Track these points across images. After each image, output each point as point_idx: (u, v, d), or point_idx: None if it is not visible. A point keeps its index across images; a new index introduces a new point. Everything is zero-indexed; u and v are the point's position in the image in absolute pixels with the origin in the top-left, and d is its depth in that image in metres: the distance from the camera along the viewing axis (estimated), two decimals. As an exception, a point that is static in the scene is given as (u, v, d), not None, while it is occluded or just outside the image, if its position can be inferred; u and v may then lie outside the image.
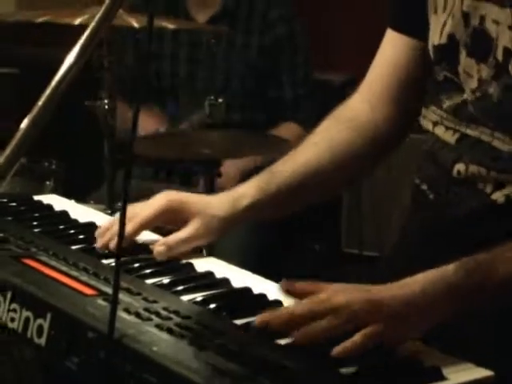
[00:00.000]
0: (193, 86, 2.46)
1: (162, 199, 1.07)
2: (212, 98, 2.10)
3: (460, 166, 0.98)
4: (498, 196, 0.95)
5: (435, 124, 1.03)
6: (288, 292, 0.88)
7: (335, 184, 1.16)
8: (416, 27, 1.07)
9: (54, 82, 0.70)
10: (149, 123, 2.27)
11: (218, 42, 2.37)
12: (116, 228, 0.86)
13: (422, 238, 1.04)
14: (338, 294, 0.78)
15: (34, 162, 1.99)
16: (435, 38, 1.02)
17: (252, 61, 2.45)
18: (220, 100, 2.10)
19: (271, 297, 0.91)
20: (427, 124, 1.05)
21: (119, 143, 1.90)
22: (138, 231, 1.05)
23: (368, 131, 1.11)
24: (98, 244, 1.05)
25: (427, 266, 0.82)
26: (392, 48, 1.12)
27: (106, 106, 1.89)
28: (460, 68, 0.99)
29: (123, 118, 1.95)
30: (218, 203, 1.07)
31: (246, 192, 1.07)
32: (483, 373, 0.74)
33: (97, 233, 1.07)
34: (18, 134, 0.67)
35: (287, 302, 0.89)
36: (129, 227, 1.01)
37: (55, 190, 1.90)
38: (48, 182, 2.01)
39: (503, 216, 0.94)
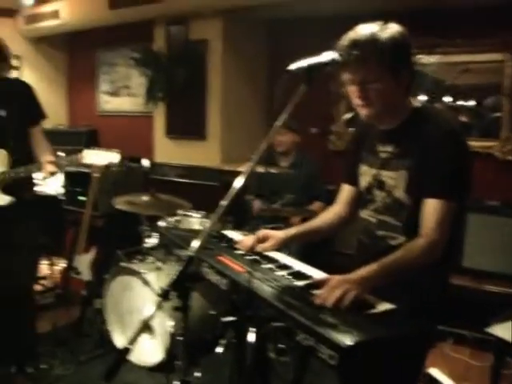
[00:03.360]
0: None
1: (266, 232, 2.08)
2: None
3: (379, 232, 1.89)
4: (393, 243, 1.84)
5: (368, 215, 1.96)
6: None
7: (327, 235, 2.20)
8: (354, 181, 2.06)
9: (234, 190, 1.59)
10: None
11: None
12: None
13: (364, 257, 1.88)
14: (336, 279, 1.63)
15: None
16: (363, 184, 1.99)
17: (301, 182, 4.28)
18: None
19: (309, 273, 1.80)
20: (364, 214, 1.99)
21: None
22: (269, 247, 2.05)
23: (340, 218, 2.15)
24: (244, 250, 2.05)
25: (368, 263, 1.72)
26: (345, 191, 2.14)
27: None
28: (373, 194, 1.92)
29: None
30: (280, 234, 2.06)
31: (292, 230, 2.13)
32: (390, 306, 1.53)
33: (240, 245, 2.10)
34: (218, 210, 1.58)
35: (315, 275, 1.77)
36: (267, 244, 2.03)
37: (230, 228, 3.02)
38: (228, 225, 3.19)
39: (392, 250, 1.76)
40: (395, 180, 1.81)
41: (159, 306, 1.35)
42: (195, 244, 1.50)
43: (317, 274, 1.81)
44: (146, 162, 5.52)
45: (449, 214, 1.70)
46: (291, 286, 1.65)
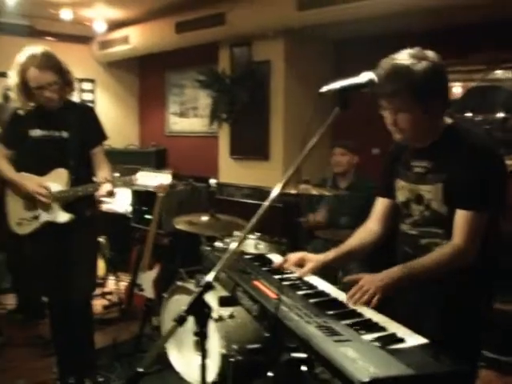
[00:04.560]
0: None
1: (302, 254, 2.09)
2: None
3: (423, 241, 1.90)
4: (437, 248, 1.85)
5: (407, 229, 1.98)
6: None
7: (363, 253, 2.13)
8: (389, 194, 2.04)
9: (269, 200, 1.57)
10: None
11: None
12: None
13: None
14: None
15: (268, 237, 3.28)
16: (400, 199, 1.99)
17: (358, 203, 3.94)
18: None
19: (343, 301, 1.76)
20: (403, 228, 2.00)
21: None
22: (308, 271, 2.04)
23: (374, 234, 2.13)
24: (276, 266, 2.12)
25: None
26: (380, 204, 2.14)
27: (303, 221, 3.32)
28: (411, 209, 1.93)
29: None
30: (319, 257, 2.05)
31: (331, 254, 2.06)
32: (421, 340, 1.45)
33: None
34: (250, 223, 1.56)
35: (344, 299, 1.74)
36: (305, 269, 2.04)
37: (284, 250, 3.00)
38: (283, 247, 3.21)
39: None
40: (432, 193, 1.88)
41: (173, 332, 1.34)
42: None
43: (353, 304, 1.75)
44: (213, 182, 5.64)
45: (478, 224, 1.79)
46: (320, 315, 1.60)
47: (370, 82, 1.62)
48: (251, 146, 5.33)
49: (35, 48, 2.99)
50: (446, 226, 1.84)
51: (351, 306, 1.72)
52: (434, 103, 1.81)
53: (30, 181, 3.08)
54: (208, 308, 1.35)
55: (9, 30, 5.55)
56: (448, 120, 1.91)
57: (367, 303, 1.71)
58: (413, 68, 1.76)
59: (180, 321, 1.29)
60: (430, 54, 1.81)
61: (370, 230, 2.14)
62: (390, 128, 1.89)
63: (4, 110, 4.95)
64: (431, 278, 1.79)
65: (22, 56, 2.97)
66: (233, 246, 1.50)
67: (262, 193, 5.20)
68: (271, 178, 5.12)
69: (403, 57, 1.80)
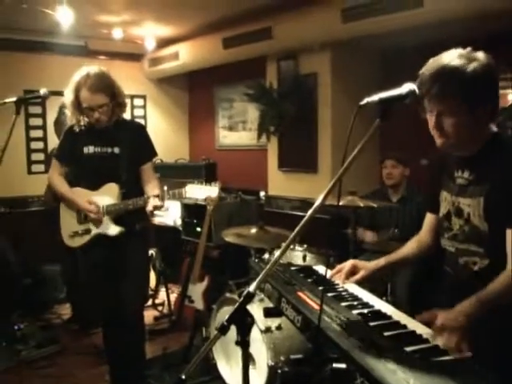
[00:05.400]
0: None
1: (354, 262, 2.06)
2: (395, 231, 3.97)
3: (462, 259, 1.82)
4: (475, 268, 1.77)
5: (446, 245, 1.92)
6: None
7: (412, 262, 2.13)
8: (436, 209, 1.97)
9: (311, 210, 1.58)
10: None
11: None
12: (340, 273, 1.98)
13: (450, 286, 1.89)
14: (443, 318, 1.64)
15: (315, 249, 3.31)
16: (442, 211, 1.92)
17: (410, 216, 4.16)
18: (396, 230, 3.90)
19: (388, 313, 1.74)
20: (443, 243, 1.94)
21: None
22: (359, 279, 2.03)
23: (424, 244, 2.12)
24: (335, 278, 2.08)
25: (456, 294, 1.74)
26: (428, 218, 2.09)
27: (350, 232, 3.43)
28: (452, 221, 1.85)
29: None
30: (371, 265, 2.04)
31: (381, 261, 2.05)
32: (467, 354, 1.44)
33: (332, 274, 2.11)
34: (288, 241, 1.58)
35: (395, 315, 1.71)
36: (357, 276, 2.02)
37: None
38: (332, 258, 3.23)
39: (478, 276, 1.74)
40: (472, 207, 1.79)
41: (215, 341, 1.37)
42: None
43: (397, 316, 1.74)
44: (263, 195, 5.70)
45: None
46: (362, 326, 1.60)
47: (411, 93, 1.59)
48: (299, 159, 5.35)
49: (91, 68, 3.12)
50: (486, 244, 1.74)
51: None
52: (482, 108, 1.72)
53: (81, 197, 3.21)
54: (250, 317, 1.37)
55: (64, 50, 5.79)
56: (494, 128, 1.81)
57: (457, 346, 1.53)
58: (463, 69, 1.68)
59: (222, 330, 1.32)
60: (481, 55, 1.73)
61: (420, 241, 2.13)
62: (431, 132, 1.81)
63: (63, 125, 5.18)
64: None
65: (77, 75, 3.11)
66: (275, 256, 1.52)
67: (311, 205, 5.15)
68: (320, 191, 5.07)
69: (453, 56, 1.72)
